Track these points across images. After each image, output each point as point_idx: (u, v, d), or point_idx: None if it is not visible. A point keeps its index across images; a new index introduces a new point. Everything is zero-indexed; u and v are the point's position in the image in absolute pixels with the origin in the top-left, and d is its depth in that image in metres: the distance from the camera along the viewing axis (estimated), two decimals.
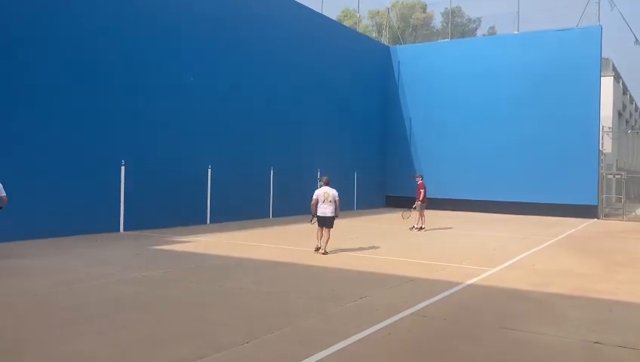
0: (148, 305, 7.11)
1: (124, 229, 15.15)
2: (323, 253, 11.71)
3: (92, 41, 14.66)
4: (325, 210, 11.97)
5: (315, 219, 12.16)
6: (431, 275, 9.61)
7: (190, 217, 17.22)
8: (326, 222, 11.93)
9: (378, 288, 8.40)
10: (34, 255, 10.90)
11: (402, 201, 28.16)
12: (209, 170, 18.02)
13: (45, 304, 7.14)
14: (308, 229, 17.17)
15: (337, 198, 12.14)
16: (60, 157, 13.75)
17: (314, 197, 12.14)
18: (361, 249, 12.84)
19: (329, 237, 11.92)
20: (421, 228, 17.20)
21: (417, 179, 18.07)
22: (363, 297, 7.73)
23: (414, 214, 17.53)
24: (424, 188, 17.50)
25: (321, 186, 12.52)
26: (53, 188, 13.53)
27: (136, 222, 15.31)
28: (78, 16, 14.37)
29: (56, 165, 13.64)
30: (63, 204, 13.69)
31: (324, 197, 12.01)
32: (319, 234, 12.02)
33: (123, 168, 15.17)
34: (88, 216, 14.13)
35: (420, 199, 17.35)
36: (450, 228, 18.67)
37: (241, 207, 19.25)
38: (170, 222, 16.31)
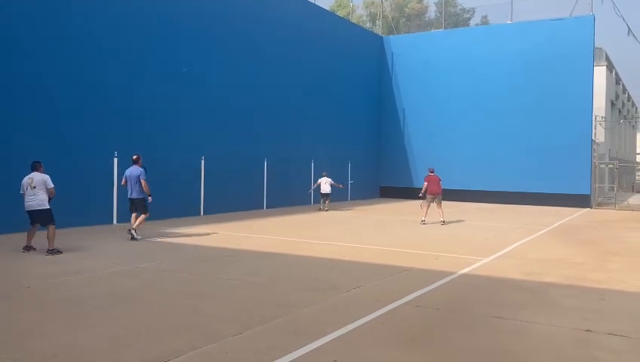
0: (142, 297, 7.11)
1: (118, 221, 15.12)
2: (326, 210, 20.47)
3: (84, 33, 14.55)
4: (326, 188, 20.89)
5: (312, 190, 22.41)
6: (425, 265, 9.65)
7: (184, 209, 17.19)
8: (328, 196, 20.98)
9: (372, 278, 8.42)
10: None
11: (396, 192, 28.35)
12: (202, 162, 17.97)
13: (39, 297, 7.12)
14: (302, 220, 17.26)
15: (331, 181, 21.15)
16: (51, 149, 13.66)
17: (318, 181, 21.42)
18: (354, 239, 12.87)
19: (329, 202, 20.96)
20: (422, 220, 16.58)
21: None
22: (357, 287, 7.75)
23: (433, 206, 16.81)
24: (426, 181, 16.88)
25: (322, 177, 21.21)
26: None
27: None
28: (69, 9, 14.24)
29: (47, 157, 13.52)
30: (55, 196, 13.61)
31: (325, 181, 20.97)
32: (322, 200, 21.10)
33: (116, 160, 15.11)
34: (81, 209, 14.08)
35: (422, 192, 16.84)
36: (442, 217, 18.69)
37: (235, 199, 19.23)
38: (163, 214, 16.26)
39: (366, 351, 5.17)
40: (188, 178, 17.56)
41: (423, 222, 16.41)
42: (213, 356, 4.94)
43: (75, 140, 14.21)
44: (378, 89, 29.55)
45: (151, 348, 5.12)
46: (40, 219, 10.35)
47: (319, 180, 21.24)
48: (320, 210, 20.69)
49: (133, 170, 12.13)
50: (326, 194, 21.04)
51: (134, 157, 12.24)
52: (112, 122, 15.18)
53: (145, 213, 12.20)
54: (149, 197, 12.21)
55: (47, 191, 10.33)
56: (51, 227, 10.22)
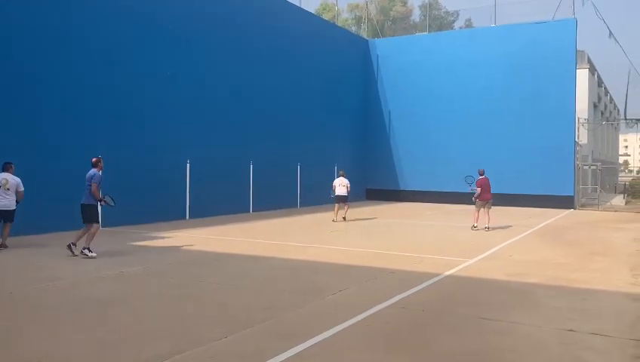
0: (126, 302, 7.06)
1: (102, 226, 14.94)
2: (342, 218, 17.52)
3: (70, 33, 14.44)
4: (341, 190, 17.76)
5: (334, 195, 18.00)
6: (410, 267, 9.69)
7: (169, 212, 17.09)
8: (343, 199, 17.77)
9: (357, 280, 8.44)
10: (9, 253, 10.73)
11: (383, 194, 28.43)
12: (187, 165, 17.89)
13: (21, 302, 7.03)
14: (288, 223, 17.24)
15: (348, 185, 18.06)
16: (34, 150, 13.52)
17: (334, 183, 18.22)
18: (340, 242, 12.88)
19: (347, 209, 17.96)
20: (474, 226, 15.74)
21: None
22: (342, 289, 7.76)
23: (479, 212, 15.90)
24: (479, 187, 15.84)
25: (338, 177, 18.37)
26: (28, 185, 13.29)
27: (114, 218, 15.11)
28: (55, 9, 14.12)
29: (30, 158, 13.40)
30: (38, 200, 13.46)
31: (340, 183, 17.85)
32: (336, 209, 17.71)
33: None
34: (65, 212, 13.91)
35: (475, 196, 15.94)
36: (429, 220, 18.80)
37: (221, 202, 19.15)
38: (148, 218, 16.17)
39: (351, 353, 5.19)
40: (174, 181, 17.46)
41: (475, 228, 15.64)
42: (198, 360, 4.92)
43: (60, 142, 14.07)
44: (364, 91, 29.63)
45: (136, 353, 5.08)
46: (8, 217, 11.29)
47: (335, 182, 18.20)
48: (334, 220, 17.43)
49: (88, 173, 10.63)
50: (341, 198, 17.69)
51: (93, 159, 10.68)
52: (97, 124, 15.06)
53: (94, 223, 10.48)
54: (102, 202, 10.59)
55: (17, 193, 11.32)
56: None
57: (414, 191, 27.68)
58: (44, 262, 9.86)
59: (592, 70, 41.23)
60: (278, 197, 22.25)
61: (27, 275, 8.66)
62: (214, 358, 4.98)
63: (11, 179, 11.23)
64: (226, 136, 19.63)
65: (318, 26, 26.95)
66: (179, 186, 17.67)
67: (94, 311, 6.57)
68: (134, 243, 12.20)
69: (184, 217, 17.70)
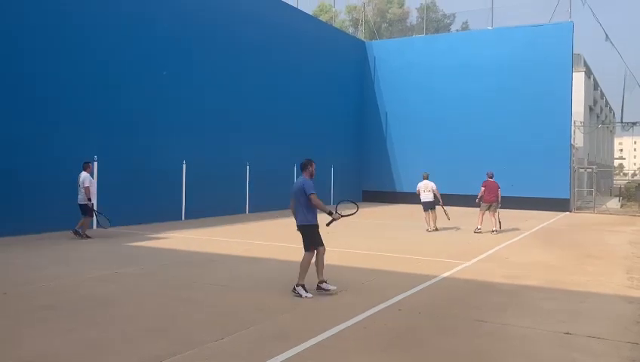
0: (121, 302, 7.01)
1: (97, 226, 14.89)
2: (435, 230, 15.36)
3: (63, 34, 14.38)
4: (427, 196, 15.52)
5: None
6: (407, 269, 9.67)
7: (165, 213, 17.03)
8: (431, 205, 15.57)
9: (354, 282, 8.42)
10: (3, 253, 10.67)
11: (379, 196, 28.43)
12: (184, 166, 17.84)
13: (15, 303, 6.98)
14: (284, 224, 17.16)
15: (435, 188, 15.62)
16: (31, 153, 13.46)
17: (417, 188, 15.85)
18: (337, 243, 12.84)
19: (435, 216, 15.57)
20: (478, 228, 15.50)
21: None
22: (339, 291, 7.73)
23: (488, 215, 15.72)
24: (483, 187, 15.86)
25: (422, 180, 15.90)
26: (23, 186, 13.25)
27: (110, 219, 15.05)
28: (48, 9, 14.07)
29: (26, 162, 13.34)
30: (34, 201, 13.41)
31: (424, 187, 15.61)
32: (427, 218, 15.58)
33: (96, 164, 14.92)
34: (60, 214, 13.85)
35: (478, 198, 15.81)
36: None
37: (217, 203, 19.10)
38: (144, 219, 16.12)
39: (348, 355, 5.15)
40: (169, 182, 17.40)
41: (478, 230, 15.41)
42: None
43: (55, 143, 14.00)
44: (360, 93, 29.64)
45: (130, 354, 5.04)
46: (80, 210, 12.76)
47: (418, 186, 15.94)
48: (428, 230, 15.53)
49: (297, 181, 9.10)
50: (428, 204, 15.58)
51: (304, 161, 9.06)
52: (91, 126, 14.99)
53: (319, 246, 8.67)
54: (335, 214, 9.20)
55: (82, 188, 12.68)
56: (85, 218, 12.84)
57: (410, 193, 27.62)
58: (40, 262, 9.80)
59: (588, 73, 41.36)
60: (274, 199, 22.19)
61: (22, 275, 8.60)
62: (209, 360, 4.94)
63: (82, 176, 12.73)
64: (222, 137, 19.59)
65: (315, 27, 26.94)
66: (175, 187, 17.61)
67: (89, 311, 6.53)
68: (129, 244, 12.15)
69: (180, 218, 17.64)
